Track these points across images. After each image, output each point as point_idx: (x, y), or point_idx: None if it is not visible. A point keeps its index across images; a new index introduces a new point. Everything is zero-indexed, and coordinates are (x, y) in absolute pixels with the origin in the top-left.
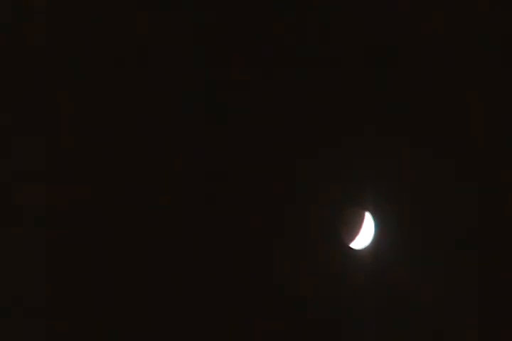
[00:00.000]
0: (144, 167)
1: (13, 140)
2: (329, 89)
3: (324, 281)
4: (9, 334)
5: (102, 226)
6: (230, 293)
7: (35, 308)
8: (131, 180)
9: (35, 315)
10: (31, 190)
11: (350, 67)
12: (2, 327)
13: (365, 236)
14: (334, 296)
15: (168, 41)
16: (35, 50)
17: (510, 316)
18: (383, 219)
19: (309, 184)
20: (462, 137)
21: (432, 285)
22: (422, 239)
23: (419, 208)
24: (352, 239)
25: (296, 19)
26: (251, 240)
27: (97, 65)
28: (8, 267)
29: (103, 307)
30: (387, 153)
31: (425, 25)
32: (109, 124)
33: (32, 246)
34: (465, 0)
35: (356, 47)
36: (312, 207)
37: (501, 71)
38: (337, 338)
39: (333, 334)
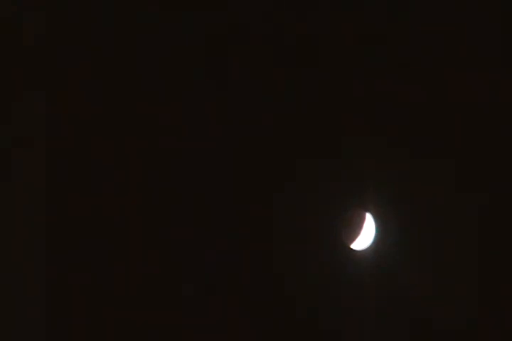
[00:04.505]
0: (145, 166)
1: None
2: (329, 89)
3: (324, 281)
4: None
5: (102, 224)
6: (230, 293)
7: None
8: (131, 179)
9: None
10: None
11: (351, 66)
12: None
13: (365, 237)
14: (334, 296)
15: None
16: (34, 49)
17: (510, 317)
18: (384, 220)
19: (309, 184)
20: (462, 137)
21: (432, 286)
22: (422, 239)
23: (420, 209)
24: (353, 239)
25: (295, 19)
26: (251, 240)
27: (97, 65)
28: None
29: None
30: (387, 154)
31: (423, 22)
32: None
33: (32, 246)
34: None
35: (358, 47)
36: (312, 208)
37: (500, 71)
38: (337, 338)
39: (333, 334)
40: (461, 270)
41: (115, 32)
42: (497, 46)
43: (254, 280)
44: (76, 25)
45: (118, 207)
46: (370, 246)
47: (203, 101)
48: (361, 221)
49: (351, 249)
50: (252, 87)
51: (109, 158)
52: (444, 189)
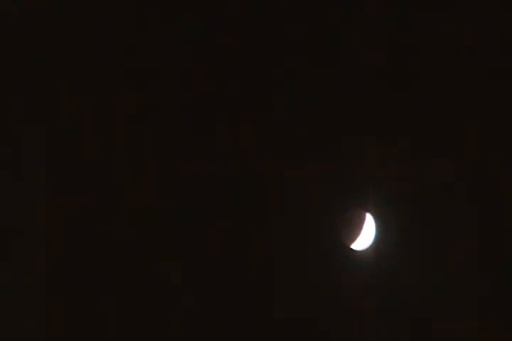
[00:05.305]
0: (144, 167)
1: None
2: (330, 89)
3: (324, 281)
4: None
5: (101, 225)
6: (230, 294)
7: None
8: (130, 180)
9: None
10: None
11: (352, 68)
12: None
13: (365, 237)
14: (334, 296)
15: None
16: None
17: (511, 319)
18: (384, 220)
19: (309, 184)
20: (462, 137)
21: (431, 286)
22: (422, 239)
23: (420, 209)
24: (353, 239)
25: (295, 20)
26: (251, 240)
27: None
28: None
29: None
30: (387, 154)
31: (423, 22)
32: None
33: (32, 247)
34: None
35: (358, 47)
36: (312, 208)
37: (501, 71)
38: (337, 338)
39: (333, 334)
40: (461, 270)
41: (115, 32)
42: (497, 46)
43: (254, 280)
44: (76, 25)
45: (118, 208)
46: (370, 246)
47: (202, 103)
48: (361, 221)
49: (351, 248)
50: (252, 88)
51: (108, 158)
52: (444, 189)
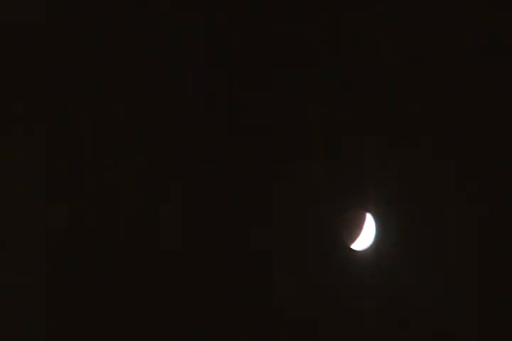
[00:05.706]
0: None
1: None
2: (330, 89)
3: (324, 281)
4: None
5: (101, 225)
6: (229, 294)
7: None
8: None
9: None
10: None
11: (351, 68)
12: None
13: (365, 237)
14: (334, 296)
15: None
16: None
17: (510, 318)
18: (384, 220)
19: (309, 184)
20: (462, 137)
21: (432, 286)
22: (422, 239)
23: (420, 209)
24: (353, 239)
25: (297, 20)
26: (251, 240)
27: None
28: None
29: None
30: (387, 153)
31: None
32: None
33: (31, 247)
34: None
35: (358, 47)
36: (312, 207)
37: (501, 71)
38: (337, 338)
39: (333, 334)
40: (461, 270)
41: (115, 32)
42: (497, 46)
43: (254, 280)
44: (76, 25)
45: (118, 207)
46: (370, 246)
47: (203, 102)
48: (361, 221)
49: (351, 248)
50: (252, 87)
51: (108, 158)
52: (444, 189)
